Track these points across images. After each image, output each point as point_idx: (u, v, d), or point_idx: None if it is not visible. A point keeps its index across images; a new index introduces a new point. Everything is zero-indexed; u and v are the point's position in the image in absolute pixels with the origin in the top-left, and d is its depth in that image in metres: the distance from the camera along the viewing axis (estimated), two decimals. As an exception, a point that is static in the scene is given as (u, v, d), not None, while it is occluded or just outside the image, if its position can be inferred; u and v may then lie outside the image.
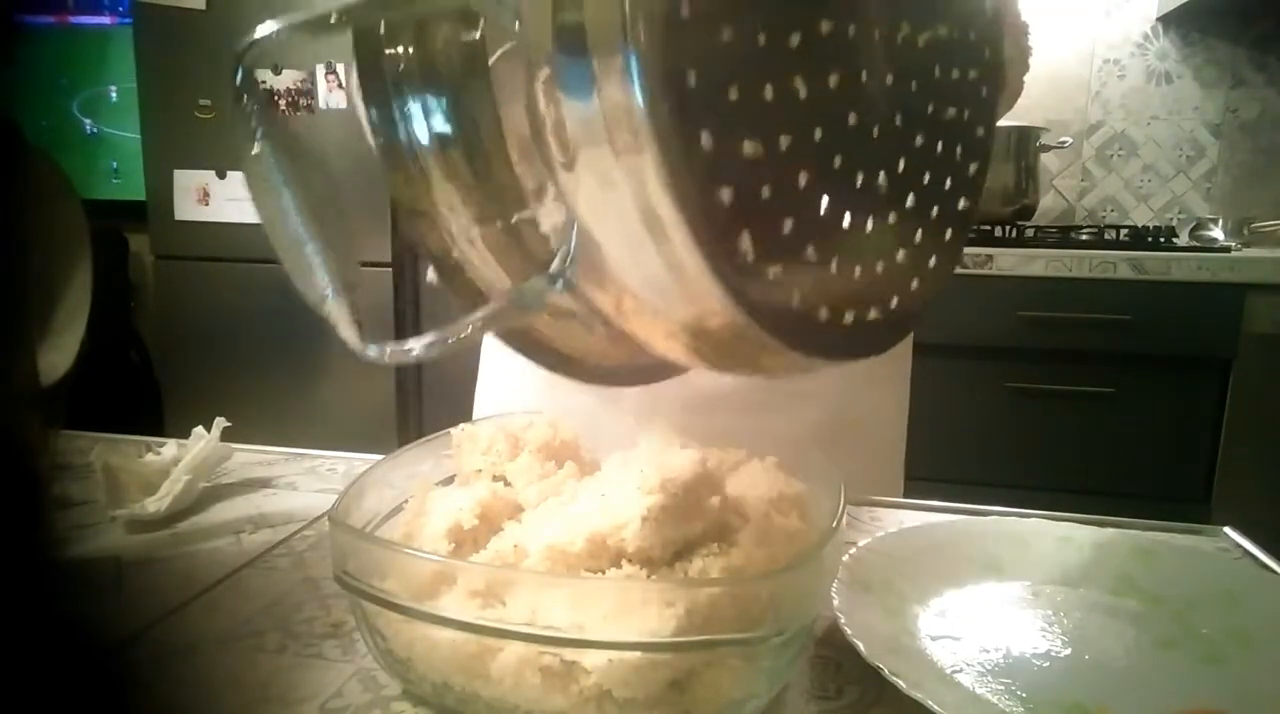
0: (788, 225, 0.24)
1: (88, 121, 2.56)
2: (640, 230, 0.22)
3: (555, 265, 0.25)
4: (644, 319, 0.25)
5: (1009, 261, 1.66)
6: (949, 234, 0.30)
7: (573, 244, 0.24)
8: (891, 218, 0.28)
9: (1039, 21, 2.13)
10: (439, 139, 0.30)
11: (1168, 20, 2.08)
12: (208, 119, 2.04)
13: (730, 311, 0.23)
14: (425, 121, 0.29)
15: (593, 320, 0.27)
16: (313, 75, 1.95)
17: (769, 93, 0.23)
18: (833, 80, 0.25)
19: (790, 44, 0.24)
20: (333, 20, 0.26)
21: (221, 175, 2.05)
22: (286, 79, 1.98)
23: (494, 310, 0.27)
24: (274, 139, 0.29)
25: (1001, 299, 1.67)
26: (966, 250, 1.68)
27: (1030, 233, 1.84)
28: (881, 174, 0.27)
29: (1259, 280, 1.57)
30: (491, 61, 0.24)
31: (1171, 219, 2.11)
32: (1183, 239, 1.86)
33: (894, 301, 0.28)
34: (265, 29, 0.27)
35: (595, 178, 0.22)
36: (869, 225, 0.27)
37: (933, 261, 0.29)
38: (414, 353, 0.28)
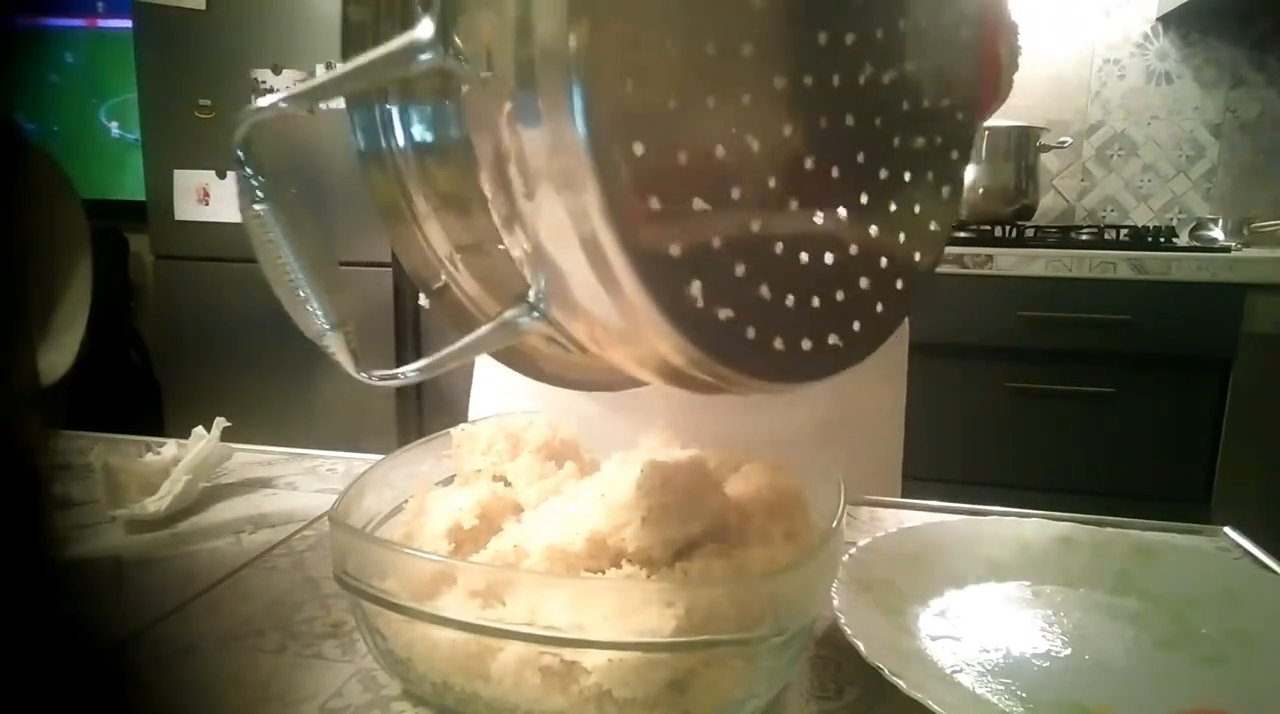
0: (740, 269, 0.24)
1: (114, 125, 2.55)
2: (593, 271, 0.23)
3: (531, 295, 0.26)
4: (612, 346, 0.26)
5: (1009, 261, 1.66)
6: (918, 256, 0.30)
7: (541, 278, 0.25)
8: (853, 249, 0.28)
9: (1039, 21, 2.13)
10: (416, 148, 0.30)
11: (1168, 20, 2.08)
12: (208, 119, 2.04)
13: (684, 348, 0.24)
14: (404, 130, 0.31)
15: (570, 344, 0.27)
16: (312, 75, 1.95)
17: (720, 150, 0.24)
18: (786, 130, 0.25)
19: (742, 102, 0.24)
20: (324, 90, 0.29)
21: (221, 175, 2.05)
22: (287, 79, 1.98)
23: (476, 338, 0.28)
24: (272, 200, 0.32)
25: (1001, 299, 1.67)
26: (966, 250, 1.68)
27: (1030, 233, 1.84)
28: (842, 210, 0.27)
29: (1259, 280, 1.57)
30: (464, 91, 0.25)
31: (1171, 219, 2.11)
32: (1183, 239, 1.86)
33: (856, 326, 0.28)
34: (264, 102, 0.29)
35: (551, 209, 0.23)
36: (829, 258, 0.27)
37: (900, 283, 0.29)
38: (402, 378, 0.30)
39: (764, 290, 0.25)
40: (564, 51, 0.21)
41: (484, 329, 0.28)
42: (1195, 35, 2.08)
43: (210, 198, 2.06)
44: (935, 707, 0.31)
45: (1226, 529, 0.55)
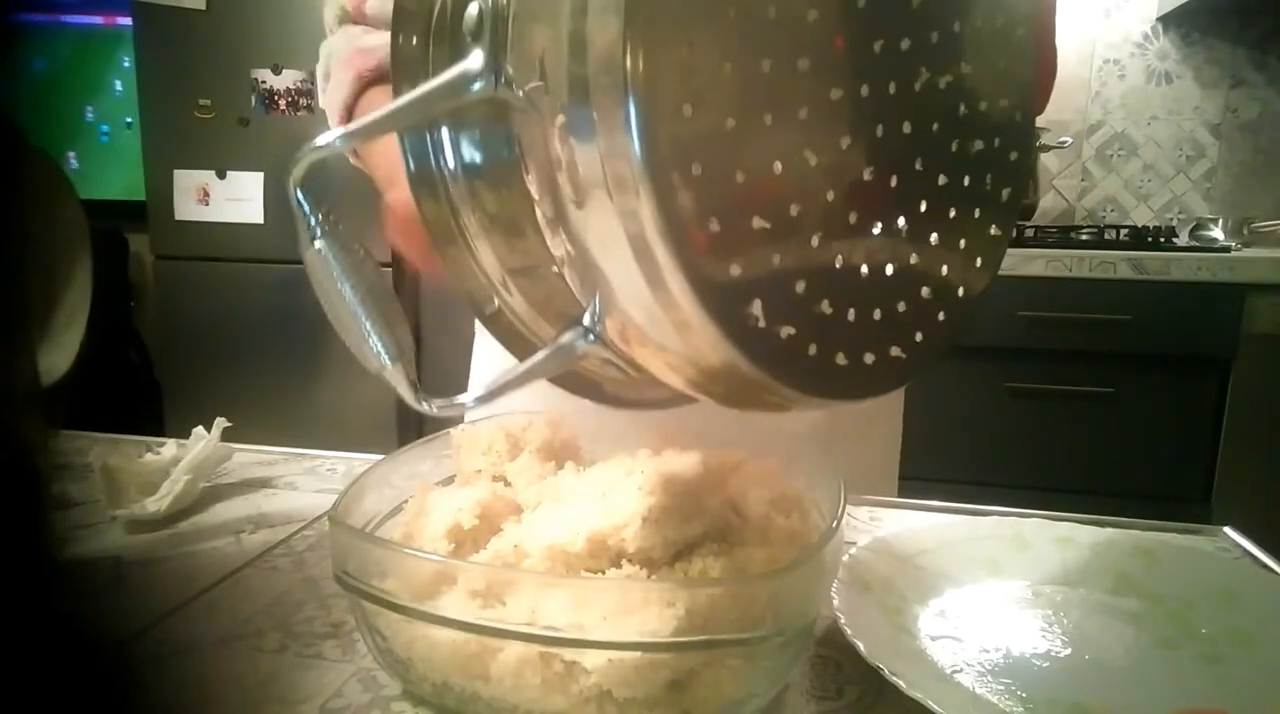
0: (800, 286, 0.24)
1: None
2: (654, 297, 0.23)
3: (585, 319, 0.26)
4: (674, 371, 0.26)
5: (1009, 261, 1.65)
6: (979, 262, 0.30)
7: (598, 300, 0.25)
8: (914, 259, 0.27)
9: (1039, 21, 2.13)
10: (466, 170, 0.31)
11: (1168, 20, 2.08)
12: (208, 119, 2.04)
13: (747, 369, 0.23)
14: (454, 153, 0.31)
15: (627, 367, 0.27)
16: (312, 76, 1.95)
17: (778, 167, 0.23)
18: (844, 143, 0.25)
19: (799, 117, 0.23)
20: (379, 126, 0.29)
21: (221, 175, 2.05)
22: (287, 79, 1.98)
23: (534, 363, 0.28)
24: (331, 238, 0.32)
25: (1001, 299, 1.67)
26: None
27: (1030, 233, 1.84)
28: (902, 219, 0.27)
29: (1259, 280, 1.57)
30: (516, 110, 0.25)
31: (1171, 219, 2.11)
32: (1183, 239, 1.86)
33: (919, 336, 0.28)
34: (321, 140, 0.30)
35: (605, 227, 0.22)
36: (889, 270, 0.27)
37: (962, 291, 0.29)
38: (465, 406, 0.31)
39: (825, 306, 0.25)
40: (619, 76, 0.20)
41: (541, 354, 0.28)
42: (1195, 35, 2.08)
43: (210, 198, 2.06)
44: (935, 707, 0.31)
45: (1226, 529, 0.55)
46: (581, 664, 0.31)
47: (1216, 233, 1.90)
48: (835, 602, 0.39)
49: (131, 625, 0.41)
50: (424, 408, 0.32)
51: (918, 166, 0.27)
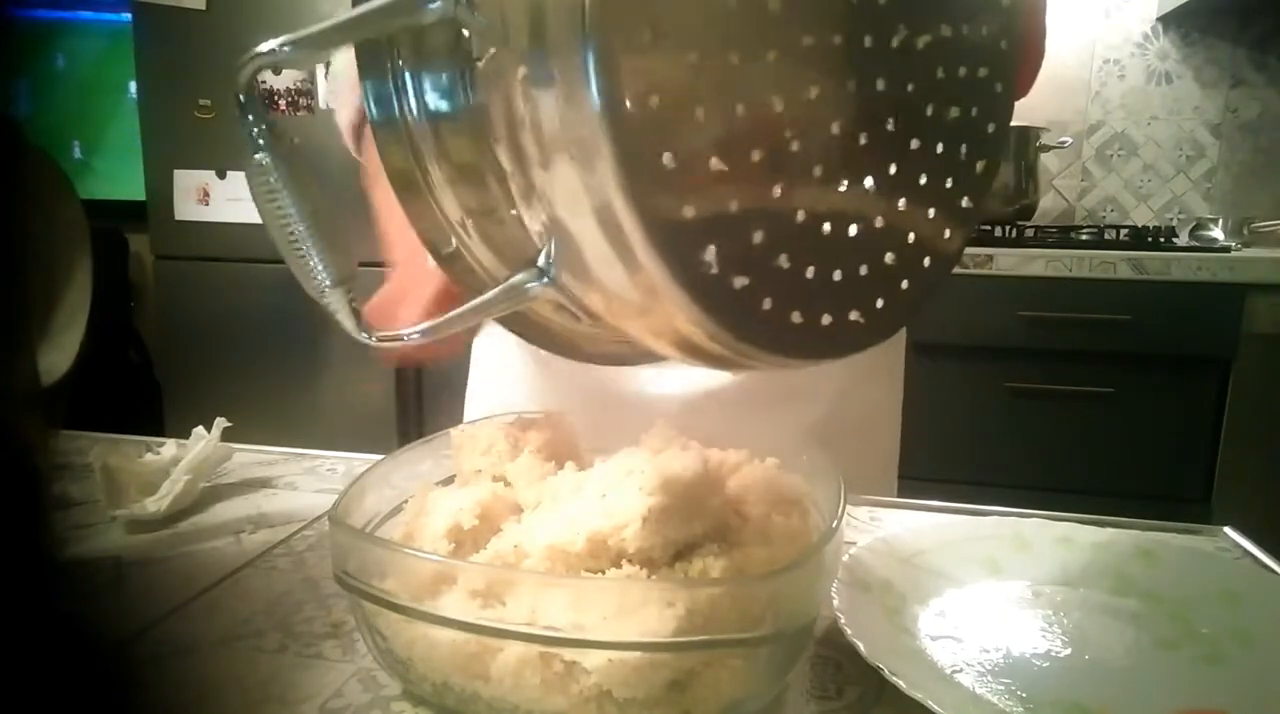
0: (758, 237, 0.24)
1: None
2: (604, 233, 0.22)
3: (540, 261, 0.26)
4: (626, 317, 0.25)
5: (1009, 261, 1.66)
6: (948, 233, 0.29)
7: (552, 242, 0.25)
8: (879, 222, 0.27)
9: (1039, 21, 2.13)
10: (430, 115, 0.30)
11: (1168, 20, 2.07)
12: (208, 119, 2.04)
13: (696, 316, 0.23)
14: (419, 98, 0.30)
15: (580, 312, 0.27)
16: (312, 75, 1.95)
17: (739, 109, 0.23)
18: (812, 93, 0.24)
19: (767, 60, 0.23)
20: (330, 37, 0.28)
21: (221, 175, 2.05)
22: (286, 79, 1.98)
23: (483, 301, 0.28)
24: (273, 149, 0.31)
25: (1001, 299, 1.67)
26: (966, 250, 1.68)
27: (1030, 233, 1.84)
28: (869, 180, 0.26)
29: (1259, 280, 1.57)
30: (477, 55, 0.25)
31: (1171, 219, 2.11)
32: (1183, 239, 1.86)
33: (880, 303, 0.27)
34: (265, 46, 0.29)
35: (565, 171, 0.22)
36: (853, 231, 0.26)
37: (928, 261, 0.29)
38: (406, 339, 0.30)
39: (783, 260, 0.24)
40: (577, 4, 0.20)
41: (491, 293, 0.27)
42: (1195, 35, 2.08)
43: (210, 198, 2.06)
44: (935, 707, 0.31)
45: (1226, 529, 0.55)
46: (581, 664, 0.31)
47: (1216, 233, 1.90)
48: (835, 602, 0.39)
49: (131, 625, 0.41)
50: (364, 338, 0.31)
51: (890, 127, 0.27)
